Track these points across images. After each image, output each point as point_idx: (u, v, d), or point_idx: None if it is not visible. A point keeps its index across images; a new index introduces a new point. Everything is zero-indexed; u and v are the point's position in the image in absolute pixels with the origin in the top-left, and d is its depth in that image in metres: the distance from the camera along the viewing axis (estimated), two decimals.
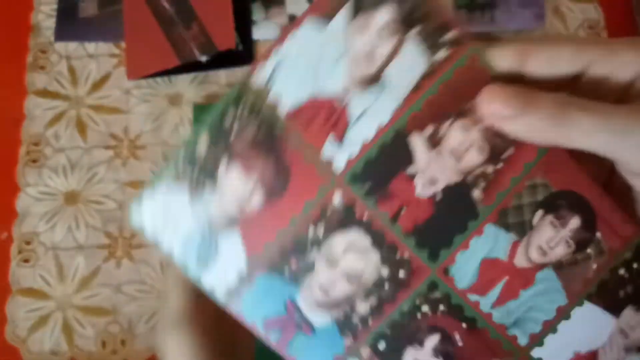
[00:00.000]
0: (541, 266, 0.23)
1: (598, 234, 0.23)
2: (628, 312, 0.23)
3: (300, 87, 0.22)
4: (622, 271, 0.23)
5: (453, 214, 0.23)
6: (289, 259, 0.23)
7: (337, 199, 0.23)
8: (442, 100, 0.22)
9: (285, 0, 0.49)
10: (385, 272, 0.23)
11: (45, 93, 0.47)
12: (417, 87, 0.22)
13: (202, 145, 0.23)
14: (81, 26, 0.49)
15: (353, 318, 0.23)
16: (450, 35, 0.22)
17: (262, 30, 0.49)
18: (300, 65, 0.22)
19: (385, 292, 0.23)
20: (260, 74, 0.22)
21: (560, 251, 0.23)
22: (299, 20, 0.22)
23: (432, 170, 0.22)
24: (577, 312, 0.23)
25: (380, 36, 0.22)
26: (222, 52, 0.46)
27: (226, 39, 0.46)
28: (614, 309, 0.23)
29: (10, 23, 0.49)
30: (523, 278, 0.23)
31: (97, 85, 0.47)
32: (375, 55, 0.22)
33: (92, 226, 0.44)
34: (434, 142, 0.22)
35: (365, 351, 0.24)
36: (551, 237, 0.23)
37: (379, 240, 0.23)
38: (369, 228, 0.23)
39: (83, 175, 0.45)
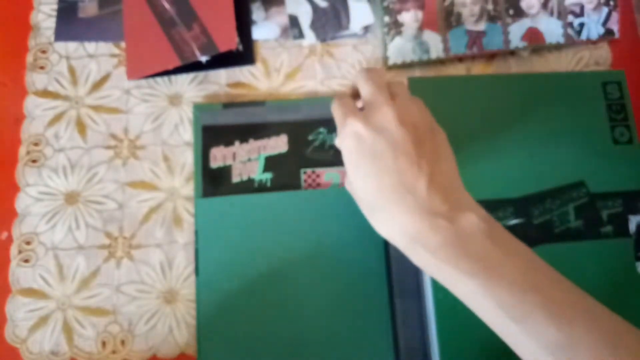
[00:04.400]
0: None
1: None
2: None
3: None
4: None
5: None
6: None
7: None
8: None
9: (285, 0, 0.49)
10: None
11: (45, 93, 0.47)
12: None
13: None
14: (81, 26, 0.49)
15: None
16: None
17: (262, 30, 0.49)
18: None
19: None
20: None
21: None
22: None
23: None
24: None
25: None
26: (221, 52, 0.46)
27: (227, 40, 0.46)
28: None
29: (10, 23, 0.49)
30: None
31: (97, 85, 0.47)
32: None
33: (92, 226, 0.44)
34: None
35: None
36: None
37: None
38: None
39: (83, 175, 0.45)
